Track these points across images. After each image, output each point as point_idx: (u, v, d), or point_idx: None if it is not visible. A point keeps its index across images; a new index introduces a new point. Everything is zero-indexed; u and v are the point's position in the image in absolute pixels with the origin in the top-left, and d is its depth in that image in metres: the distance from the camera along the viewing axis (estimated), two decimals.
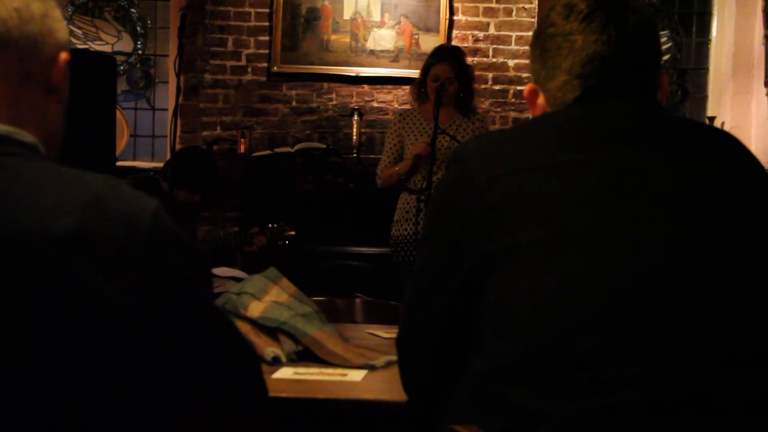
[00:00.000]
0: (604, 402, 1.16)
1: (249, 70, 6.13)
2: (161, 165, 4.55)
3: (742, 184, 1.32)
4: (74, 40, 6.16)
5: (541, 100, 1.50)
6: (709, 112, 6.19)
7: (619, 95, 1.40)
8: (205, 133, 6.09)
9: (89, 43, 6.44)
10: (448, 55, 4.44)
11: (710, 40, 6.34)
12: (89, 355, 1.02)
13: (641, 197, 1.27)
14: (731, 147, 1.38)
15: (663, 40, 6.31)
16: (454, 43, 6.01)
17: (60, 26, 1.22)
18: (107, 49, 6.45)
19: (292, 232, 4.24)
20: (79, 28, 6.43)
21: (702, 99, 6.37)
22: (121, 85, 6.38)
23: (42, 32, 1.17)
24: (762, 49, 5.70)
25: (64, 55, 1.21)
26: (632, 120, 1.37)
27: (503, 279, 1.26)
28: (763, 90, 5.64)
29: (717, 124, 5.89)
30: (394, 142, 4.58)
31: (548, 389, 1.19)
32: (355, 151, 5.82)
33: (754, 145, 5.72)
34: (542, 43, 1.48)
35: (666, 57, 6.34)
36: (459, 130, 4.37)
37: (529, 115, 1.53)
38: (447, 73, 4.36)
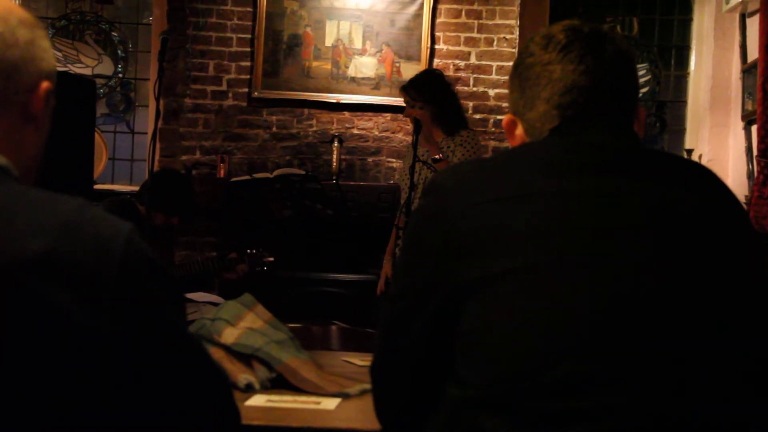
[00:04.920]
0: (579, 430, 1.16)
1: (230, 95, 6.13)
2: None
3: (716, 216, 1.33)
4: None
5: (519, 130, 1.51)
6: (687, 145, 6.24)
7: (597, 126, 1.41)
8: (184, 157, 6.08)
9: (69, 65, 6.42)
10: (405, 86, 4.58)
11: (689, 73, 6.40)
12: (58, 378, 1.01)
13: (616, 227, 1.27)
14: (706, 179, 1.39)
15: (642, 72, 6.36)
16: None
17: (45, 55, 1.21)
18: (87, 72, 6.43)
19: (271, 258, 4.22)
20: (60, 50, 6.42)
21: (680, 131, 6.42)
22: (101, 108, 6.35)
23: (24, 59, 1.16)
24: (739, 83, 5.75)
25: (45, 84, 1.19)
26: (609, 151, 1.37)
27: (478, 307, 1.26)
28: (740, 124, 5.68)
29: (695, 156, 5.93)
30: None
31: (523, 419, 1.18)
32: (334, 177, 5.81)
33: (731, 178, 5.76)
34: (521, 73, 1.49)
35: (645, 89, 6.39)
36: (447, 151, 4.39)
37: (508, 144, 1.54)
38: (406, 100, 4.50)
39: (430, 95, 4.48)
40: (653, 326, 1.21)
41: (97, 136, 5.41)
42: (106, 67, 6.53)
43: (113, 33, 6.54)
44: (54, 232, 1.03)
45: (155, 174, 4.02)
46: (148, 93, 6.36)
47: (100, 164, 6.16)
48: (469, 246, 1.28)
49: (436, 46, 6.14)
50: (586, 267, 1.24)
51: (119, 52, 6.55)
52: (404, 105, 4.56)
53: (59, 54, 6.41)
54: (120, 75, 6.54)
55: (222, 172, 5.92)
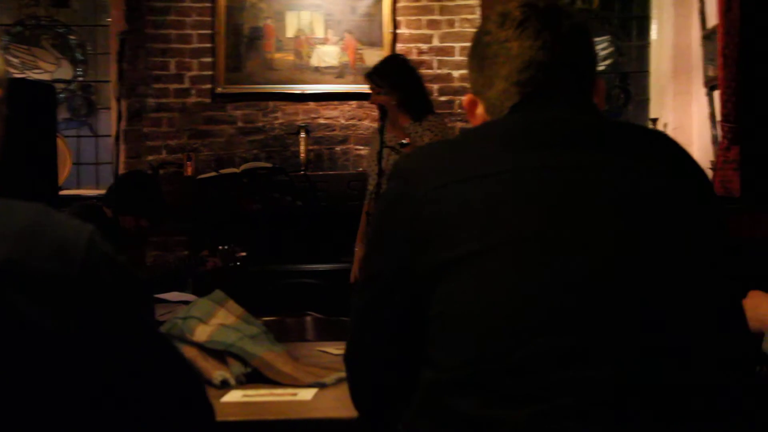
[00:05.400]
0: (551, 406, 1.16)
1: (193, 92, 6.09)
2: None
3: (678, 187, 1.33)
4: (11, 70, 6.06)
5: (480, 109, 1.51)
6: (652, 114, 6.26)
7: (557, 101, 1.42)
8: (150, 157, 6.02)
9: (27, 72, 6.33)
10: (369, 73, 4.62)
11: (650, 43, 6.43)
12: (27, 384, 1.00)
13: (581, 202, 1.27)
14: (667, 149, 1.39)
15: (604, 45, 6.39)
16: None
17: None
18: (47, 77, 6.34)
19: (244, 254, 4.22)
20: (16, 57, 6.33)
21: (644, 101, 6.45)
22: (63, 113, 6.28)
23: None
24: (700, 49, 5.78)
25: None
26: (570, 125, 1.37)
27: (447, 290, 1.26)
28: (703, 90, 5.71)
29: (659, 125, 5.96)
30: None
31: (496, 397, 1.18)
32: (303, 168, 5.80)
33: (695, 145, 5.79)
34: (479, 53, 1.49)
35: (608, 62, 6.41)
36: (414, 136, 4.40)
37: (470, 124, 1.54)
38: (371, 87, 4.54)
39: (394, 81, 4.49)
40: (622, 298, 1.21)
41: (59, 141, 5.36)
42: (65, 72, 6.45)
43: (71, 36, 6.46)
44: (13, 238, 1.02)
45: (121, 177, 4.01)
46: (109, 95, 6.30)
47: (65, 170, 6.09)
48: (435, 230, 1.28)
49: (398, 31, 6.13)
50: (552, 243, 1.24)
51: (78, 55, 6.47)
52: (369, 92, 4.57)
53: (16, 60, 6.32)
54: (80, 78, 6.47)
55: (189, 170, 5.87)
